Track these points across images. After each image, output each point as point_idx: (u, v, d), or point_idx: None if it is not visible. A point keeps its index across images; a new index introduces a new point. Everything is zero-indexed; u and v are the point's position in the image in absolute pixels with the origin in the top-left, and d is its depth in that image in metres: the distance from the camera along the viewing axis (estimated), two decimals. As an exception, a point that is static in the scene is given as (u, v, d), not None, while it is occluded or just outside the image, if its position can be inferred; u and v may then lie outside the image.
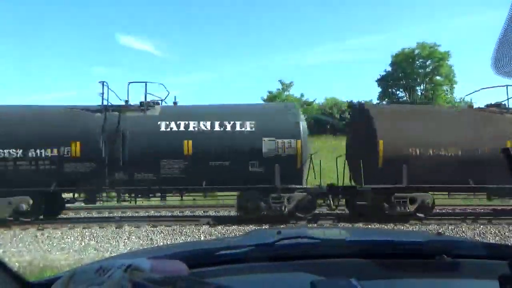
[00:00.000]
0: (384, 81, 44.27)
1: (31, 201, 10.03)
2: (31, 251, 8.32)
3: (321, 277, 1.03)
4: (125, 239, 9.17)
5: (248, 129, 10.27)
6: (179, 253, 1.20)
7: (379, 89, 45.48)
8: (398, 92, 45.13)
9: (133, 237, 9.29)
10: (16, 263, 6.85)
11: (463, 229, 9.75)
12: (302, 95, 43.67)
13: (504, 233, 9.52)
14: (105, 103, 10.65)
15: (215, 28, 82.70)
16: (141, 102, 10.86)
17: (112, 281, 0.79)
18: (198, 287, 0.81)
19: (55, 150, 10.00)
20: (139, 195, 10.73)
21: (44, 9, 79.43)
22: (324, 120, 30.80)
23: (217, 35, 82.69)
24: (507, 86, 11.13)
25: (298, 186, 10.28)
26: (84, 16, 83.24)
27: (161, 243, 8.77)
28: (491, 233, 9.53)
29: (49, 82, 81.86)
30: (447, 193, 11.12)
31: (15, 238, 9.08)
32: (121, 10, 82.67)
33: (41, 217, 10.62)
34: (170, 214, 12.56)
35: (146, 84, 11.03)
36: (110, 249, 8.49)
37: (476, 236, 9.36)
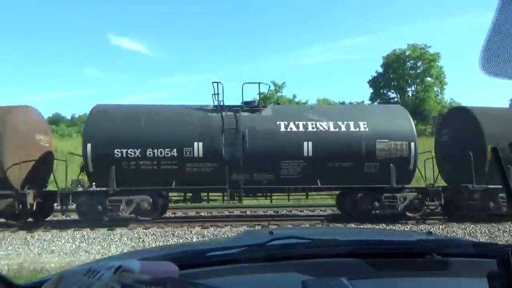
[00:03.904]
0: (375, 83, 44.57)
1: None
2: (21, 254, 8.20)
3: (312, 277, 1.03)
4: (116, 241, 9.09)
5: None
6: (170, 254, 1.19)
7: (371, 90, 45.87)
8: (389, 93, 45.52)
9: (125, 238, 9.21)
10: (6, 266, 6.76)
11: (454, 228, 9.86)
12: (294, 96, 43.85)
13: (494, 232, 9.65)
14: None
15: (208, 29, 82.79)
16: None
17: (101, 283, 0.77)
18: None
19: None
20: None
21: (34, 10, 78.71)
22: None
23: (209, 36, 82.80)
24: None
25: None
26: (75, 17, 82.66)
27: (153, 245, 8.72)
28: (481, 232, 9.65)
29: (41, 83, 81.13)
30: None
31: (4, 241, 8.95)
32: (112, 10, 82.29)
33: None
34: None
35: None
36: (101, 251, 8.41)
37: (466, 235, 9.48)
